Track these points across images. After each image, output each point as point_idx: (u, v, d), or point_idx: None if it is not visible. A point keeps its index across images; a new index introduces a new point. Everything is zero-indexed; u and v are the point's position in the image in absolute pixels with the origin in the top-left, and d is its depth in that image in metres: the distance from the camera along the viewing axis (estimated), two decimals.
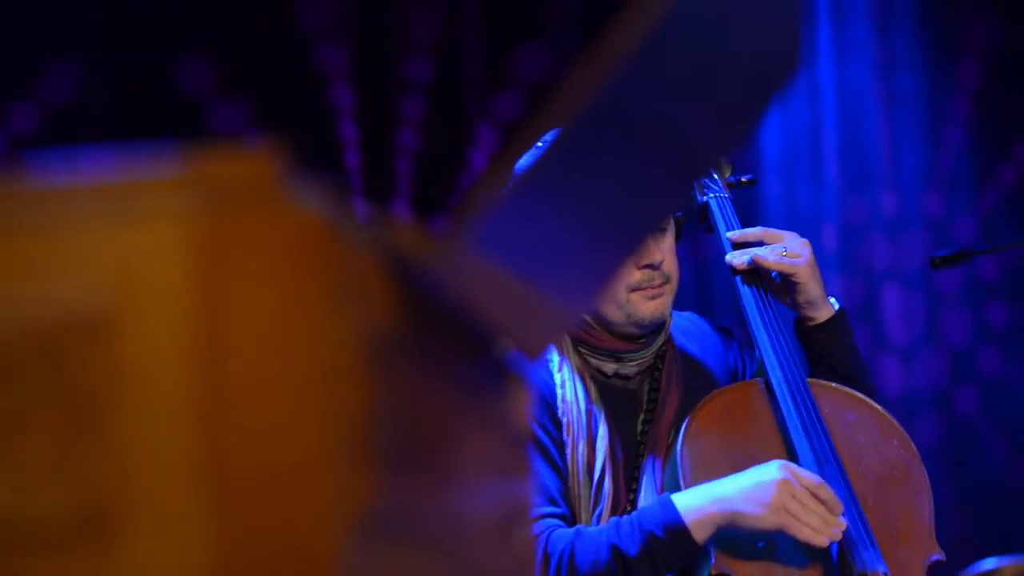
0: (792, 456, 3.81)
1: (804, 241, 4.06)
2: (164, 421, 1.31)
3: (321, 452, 1.32)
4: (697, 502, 3.63)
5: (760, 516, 3.58)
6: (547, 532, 3.70)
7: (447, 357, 1.69)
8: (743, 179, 4.36)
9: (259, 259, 1.33)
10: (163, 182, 1.32)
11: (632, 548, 3.62)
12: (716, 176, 4.26)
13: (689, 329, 4.22)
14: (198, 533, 1.30)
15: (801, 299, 4.04)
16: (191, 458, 1.30)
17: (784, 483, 3.60)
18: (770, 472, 3.64)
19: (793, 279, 4.00)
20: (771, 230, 4.13)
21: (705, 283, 6.04)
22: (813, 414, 3.83)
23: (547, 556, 3.63)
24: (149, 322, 1.31)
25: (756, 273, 4.07)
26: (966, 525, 6.12)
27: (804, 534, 3.57)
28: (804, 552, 3.66)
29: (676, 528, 3.61)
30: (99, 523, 1.29)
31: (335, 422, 1.34)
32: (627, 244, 2.18)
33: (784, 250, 4.02)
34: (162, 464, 1.30)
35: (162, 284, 1.31)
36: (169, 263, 1.31)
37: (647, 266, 3.90)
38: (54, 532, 1.29)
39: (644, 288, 3.91)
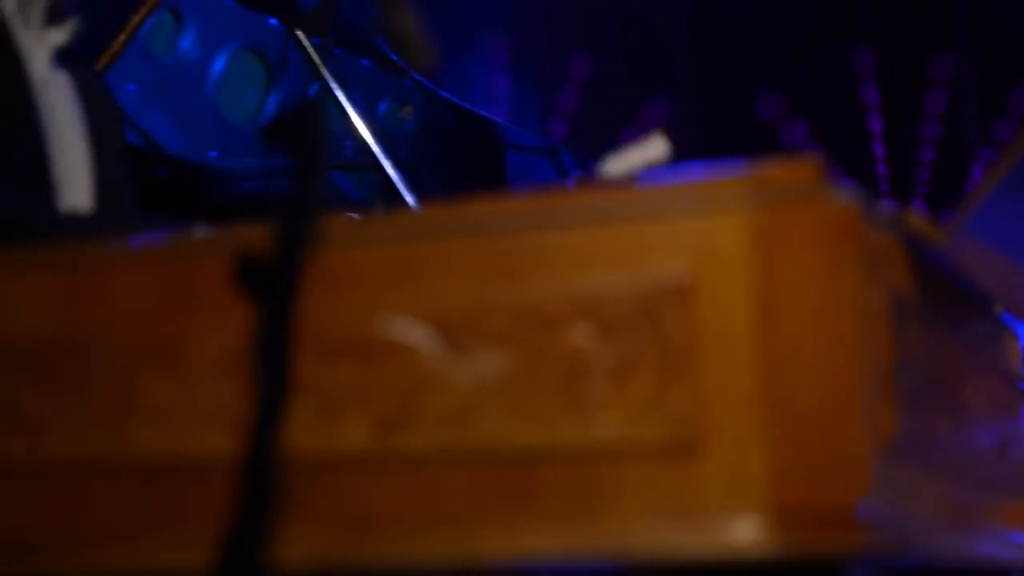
0: None
1: None
2: (733, 365, 1.28)
3: (855, 390, 1.27)
4: None
5: None
6: None
7: (953, 317, 1.62)
8: None
9: (804, 240, 1.29)
10: (732, 183, 1.29)
11: None
12: None
13: None
14: (760, 450, 1.26)
15: None
16: (754, 393, 1.27)
17: None
18: None
19: None
20: None
21: None
22: None
23: None
24: (721, 289, 1.29)
25: None
26: None
27: None
28: None
29: None
30: (686, 446, 1.27)
31: (865, 367, 1.29)
32: None
33: None
34: (732, 399, 1.27)
35: (730, 259, 1.29)
36: (736, 244, 1.28)
37: None
38: (652, 451, 1.27)
39: None
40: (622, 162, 1.51)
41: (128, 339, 1.33)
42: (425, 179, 3.50)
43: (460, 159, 3.91)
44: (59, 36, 2.16)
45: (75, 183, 2.16)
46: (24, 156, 2.04)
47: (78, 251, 1.38)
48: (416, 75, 3.66)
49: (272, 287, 1.17)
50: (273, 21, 3.63)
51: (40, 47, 2.13)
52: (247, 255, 1.23)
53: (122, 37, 3.09)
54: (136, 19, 3.10)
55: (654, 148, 1.52)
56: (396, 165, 3.09)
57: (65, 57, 2.20)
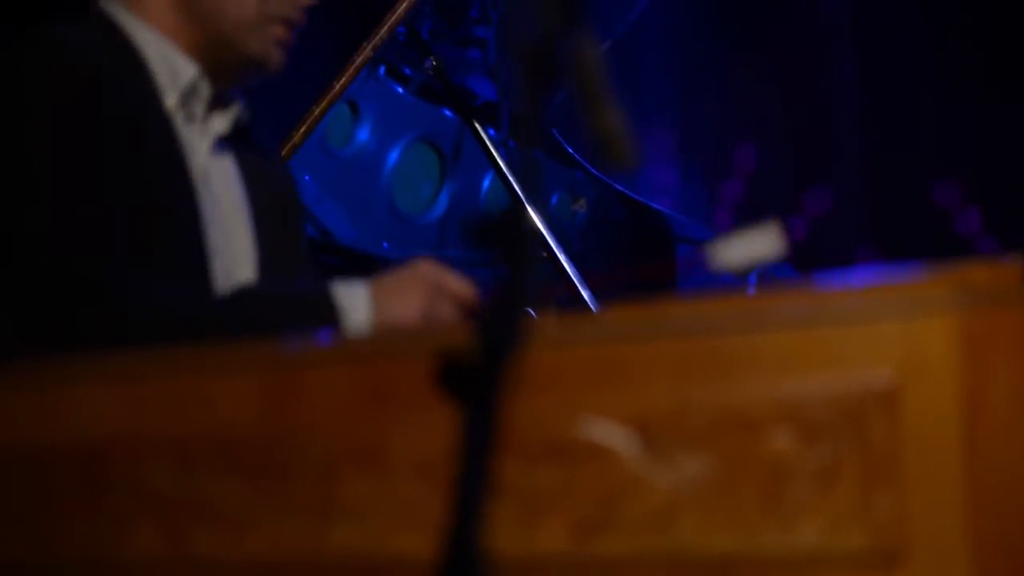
0: None
1: None
2: (939, 471, 1.24)
3: None
4: None
5: None
6: None
7: None
8: None
9: (1012, 345, 1.26)
10: (936, 286, 1.27)
11: None
12: None
13: None
14: (966, 559, 1.23)
15: None
16: (960, 501, 1.23)
17: None
18: None
19: None
20: None
21: None
22: None
23: None
24: (926, 393, 1.25)
25: None
26: None
27: None
28: None
29: None
30: (888, 555, 1.24)
31: None
32: None
33: None
34: (938, 506, 1.24)
35: (936, 364, 1.25)
36: (942, 348, 1.25)
37: None
38: (854, 559, 1.25)
39: None
40: (733, 252, 1.48)
41: (328, 437, 1.34)
42: (595, 272, 3.50)
43: (630, 252, 3.90)
44: (222, 124, 2.16)
45: (244, 269, 2.18)
46: (184, 252, 2.06)
47: (278, 349, 1.39)
48: (590, 167, 3.68)
49: (476, 389, 1.16)
50: (448, 113, 3.67)
51: (203, 139, 2.14)
52: (449, 355, 1.23)
53: (302, 129, 3.15)
54: (316, 111, 3.15)
55: (768, 242, 1.48)
56: (569, 257, 3.09)
57: (234, 139, 2.20)
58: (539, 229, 2.91)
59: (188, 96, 2.10)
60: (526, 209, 1.18)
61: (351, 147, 3.61)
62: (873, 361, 1.26)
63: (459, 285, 2.01)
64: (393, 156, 3.68)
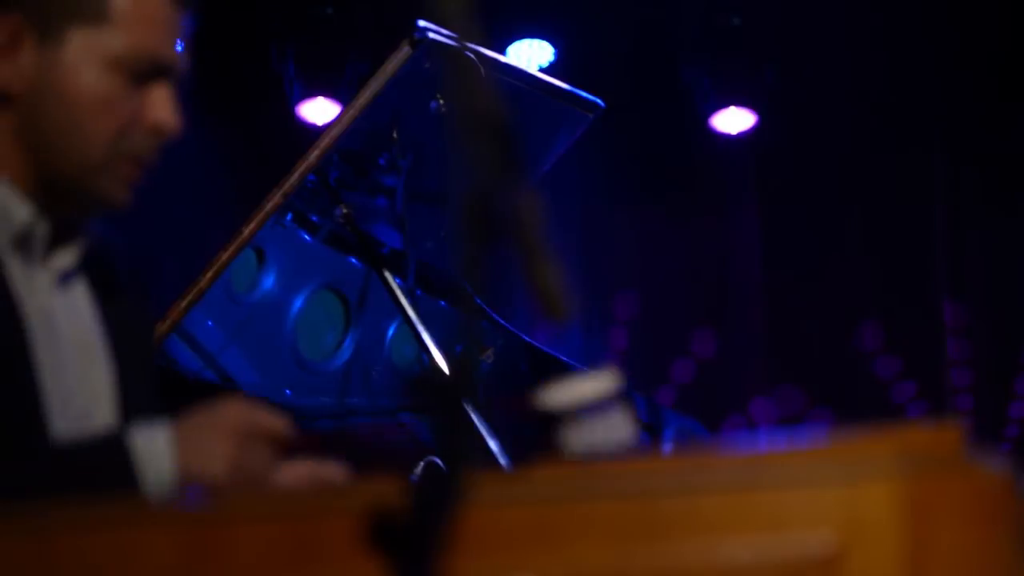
0: None
1: None
2: None
3: None
4: None
5: None
6: None
7: None
8: None
9: (956, 511, 1.23)
10: (877, 449, 1.25)
11: None
12: None
13: None
14: None
15: None
16: None
17: None
18: None
19: None
20: None
21: None
22: None
23: None
24: (868, 560, 1.22)
25: None
26: None
27: None
28: None
29: None
30: None
31: None
32: None
33: None
34: None
35: (878, 529, 1.22)
36: (884, 513, 1.22)
37: None
38: None
39: None
40: (567, 394, 1.46)
41: None
42: (499, 421, 3.46)
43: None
44: (67, 259, 2.01)
45: (101, 409, 2.04)
46: (11, 402, 1.93)
47: (198, 503, 1.33)
48: (495, 316, 3.65)
49: (409, 549, 1.12)
50: (353, 260, 3.64)
51: (43, 277, 2.00)
52: (380, 513, 1.18)
53: (209, 274, 3.09)
54: (224, 257, 3.10)
55: (604, 383, 1.46)
56: (476, 409, 3.06)
57: (88, 268, 2.06)
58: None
59: (22, 239, 1.98)
60: (467, 368, 1.14)
61: (256, 293, 3.56)
62: (814, 525, 1.23)
63: (273, 423, 1.87)
64: (298, 303, 3.63)
